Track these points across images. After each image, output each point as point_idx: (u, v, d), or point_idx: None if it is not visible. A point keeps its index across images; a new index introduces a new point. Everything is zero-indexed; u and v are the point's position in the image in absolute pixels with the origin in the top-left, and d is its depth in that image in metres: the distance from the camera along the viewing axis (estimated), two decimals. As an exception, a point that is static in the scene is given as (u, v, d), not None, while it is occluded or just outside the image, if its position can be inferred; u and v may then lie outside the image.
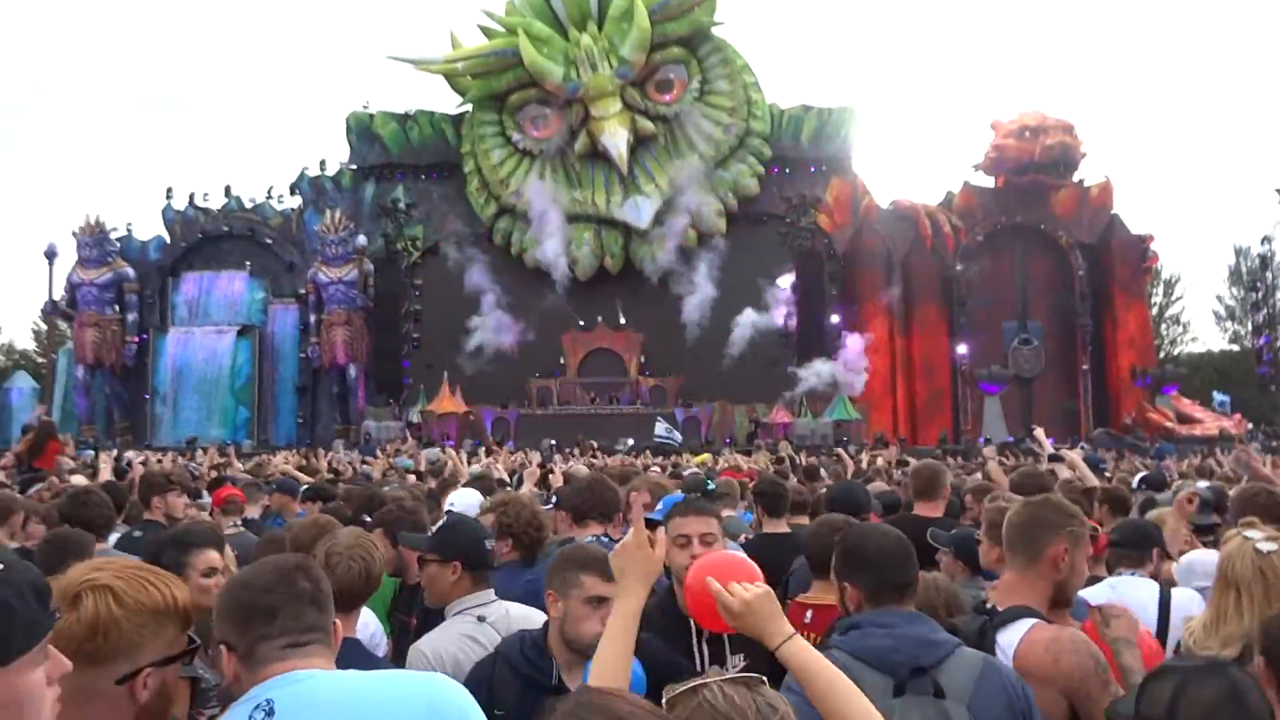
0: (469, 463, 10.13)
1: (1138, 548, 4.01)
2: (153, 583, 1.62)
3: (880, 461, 12.71)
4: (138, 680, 1.52)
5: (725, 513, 4.63)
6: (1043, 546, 2.77)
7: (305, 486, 6.94)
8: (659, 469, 10.88)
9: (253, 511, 6.11)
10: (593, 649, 2.22)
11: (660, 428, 25.28)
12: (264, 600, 1.76)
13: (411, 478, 9.62)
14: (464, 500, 5.47)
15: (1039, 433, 8.45)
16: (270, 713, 1.64)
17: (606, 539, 3.97)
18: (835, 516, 3.81)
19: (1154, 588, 3.83)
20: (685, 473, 8.55)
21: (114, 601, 1.52)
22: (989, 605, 2.78)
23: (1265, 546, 2.83)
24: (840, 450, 17.44)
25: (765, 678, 1.58)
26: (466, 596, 3.19)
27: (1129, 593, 3.80)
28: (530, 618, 3.18)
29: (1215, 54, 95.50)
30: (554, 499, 4.94)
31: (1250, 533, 2.97)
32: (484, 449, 16.77)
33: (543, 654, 2.69)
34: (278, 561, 1.89)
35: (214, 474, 9.67)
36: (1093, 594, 3.41)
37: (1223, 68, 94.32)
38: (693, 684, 1.53)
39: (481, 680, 2.71)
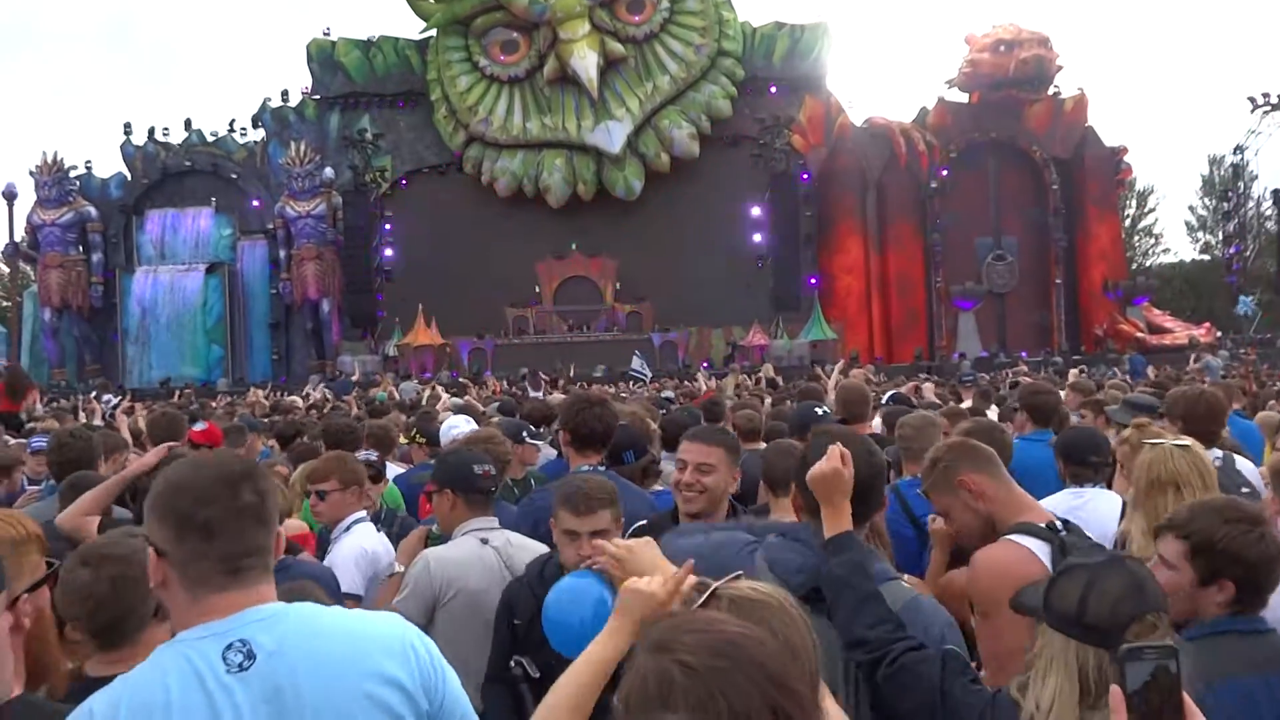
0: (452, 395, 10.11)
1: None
2: (5, 519, 1.79)
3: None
4: (19, 608, 1.53)
5: None
6: None
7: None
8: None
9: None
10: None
11: (635, 362, 25.58)
12: (201, 514, 1.54)
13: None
14: (455, 426, 5.48)
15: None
16: (250, 655, 1.52)
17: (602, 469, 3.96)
18: (785, 441, 3.81)
19: (1115, 501, 3.72)
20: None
21: None
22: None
23: (1185, 445, 2.96)
24: (819, 370, 17.61)
25: None
26: (469, 521, 3.31)
27: (1098, 505, 3.70)
28: (527, 545, 3.32)
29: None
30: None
31: (1154, 440, 3.10)
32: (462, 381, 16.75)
33: (556, 572, 2.80)
34: (221, 465, 1.62)
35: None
36: (1054, 505, 3.23)
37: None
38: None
39: (507, 597, 3.02)
